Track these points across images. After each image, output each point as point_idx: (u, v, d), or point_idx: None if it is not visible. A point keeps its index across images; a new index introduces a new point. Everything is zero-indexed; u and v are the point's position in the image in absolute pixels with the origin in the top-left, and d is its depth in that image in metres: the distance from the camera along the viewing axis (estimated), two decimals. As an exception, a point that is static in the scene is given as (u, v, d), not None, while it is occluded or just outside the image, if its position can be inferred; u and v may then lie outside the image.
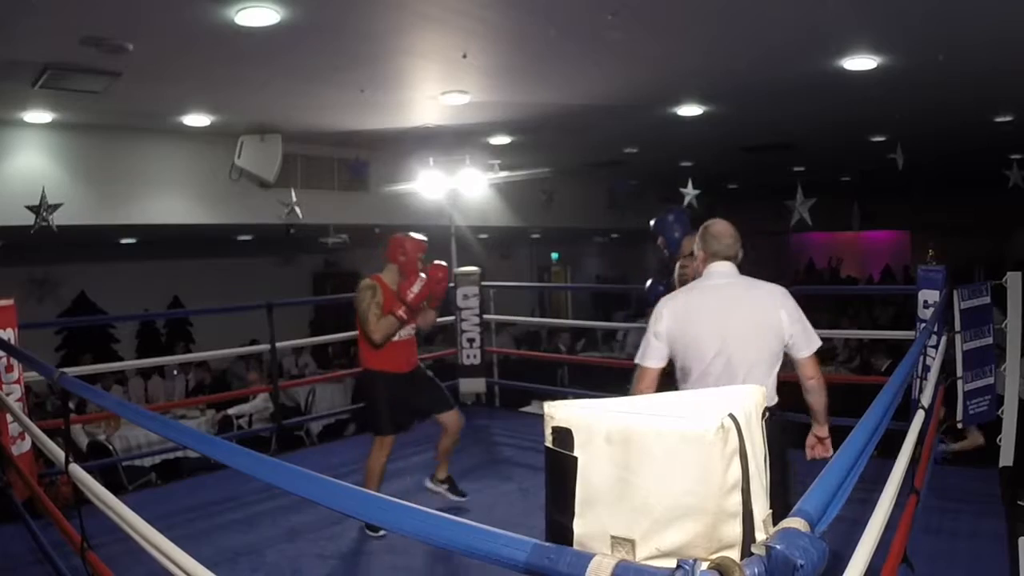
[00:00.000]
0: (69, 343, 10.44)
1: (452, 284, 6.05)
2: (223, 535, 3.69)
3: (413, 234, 4.08)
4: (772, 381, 2.53)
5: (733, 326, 2.51)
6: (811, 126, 7.51)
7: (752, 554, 0.87)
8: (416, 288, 3.89)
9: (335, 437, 7.07)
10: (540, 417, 1.13)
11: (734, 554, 0.95)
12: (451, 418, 4.11)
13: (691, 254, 3.30)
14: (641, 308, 9.47)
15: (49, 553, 3.21)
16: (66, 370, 3.03)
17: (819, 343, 2.58)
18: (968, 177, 11.96)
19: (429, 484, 4.27)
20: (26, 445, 3.97)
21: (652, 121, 6.94)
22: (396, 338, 3.95)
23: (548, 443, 1.10)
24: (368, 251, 13.16)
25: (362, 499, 1.22)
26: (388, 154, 8.25)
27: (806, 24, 4.20)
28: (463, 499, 4.21)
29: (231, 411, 7.18)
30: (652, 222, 3.90)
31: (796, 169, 10.79)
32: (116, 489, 3.71)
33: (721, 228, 2.70)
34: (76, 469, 2.58)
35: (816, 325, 2.66)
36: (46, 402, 7.18)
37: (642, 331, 2.73)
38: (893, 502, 2.07)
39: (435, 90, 5.55)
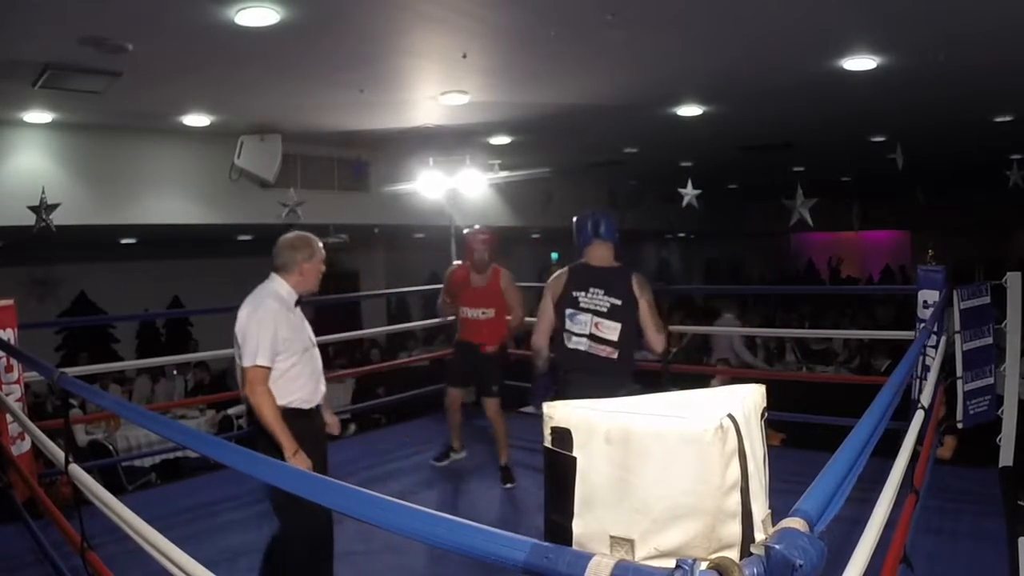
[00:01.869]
0: (69, 343, 10.44)
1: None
2: (223, 535, 3.69)
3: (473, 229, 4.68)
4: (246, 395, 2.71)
5: None
6: (811, 126, 7.51)
7: (751, 554, 0.87)
8: None
9: (335, 437, 7.06)
10: (539, 417, 1.13)
11: (733, 554, 0.95)
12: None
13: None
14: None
15: (49, 553, 3.21)
16: (66, 370, 3.03)
17: (255, 361, 2.66)
18: (968, 177, 11.95)
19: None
20: (26, 445, 3.97)
21: (652, 121, 6.94)
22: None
23: (547, 443, 1.11)
24: (368, 251, 13.19)
25: (362, 499, 1.22)
26: (388, 154, 8.25)
27: (806, 24, 4.20)
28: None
29: (231, 411, 7.17)
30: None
31: (796, 169, 10.80)
32: (116, 489, 3.71)
33: None
34: (76, 469, 2.58)
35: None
36: (46, 402, 7.18)
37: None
38: (892, 502, 2.07)
39: (435, 90, 5.55)
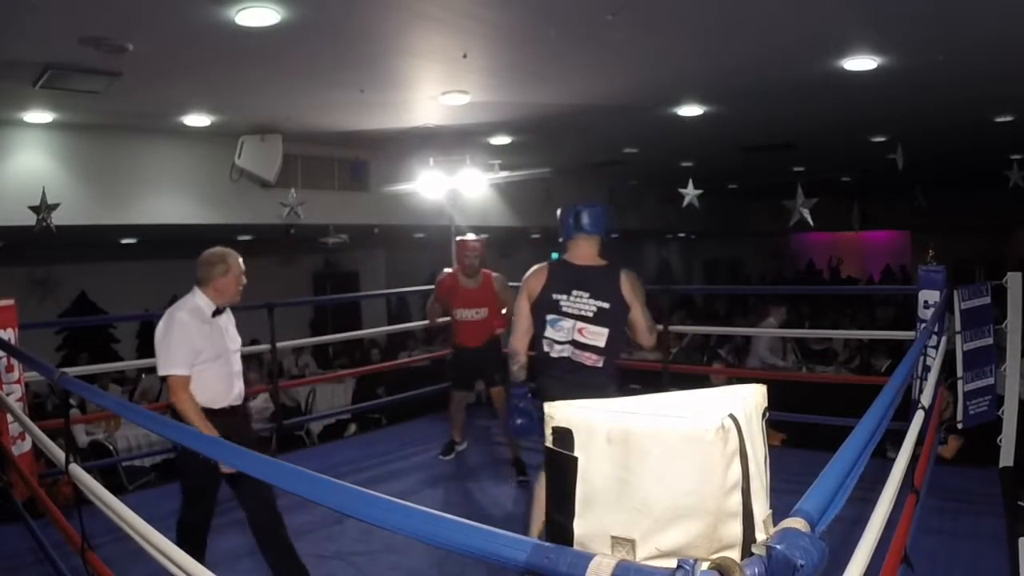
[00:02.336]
0: (69, 343, 10.45)
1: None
2: (223, 535, 3.68)
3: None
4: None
5: None
6: (811, 126, 7.51)
7: (752, 554, 0.87)
8: None
9: (335, 437, 7.07)
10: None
11: (734, 554, 0.95)
12: None
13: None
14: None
15: (49, 553, 3.21)
16: (66, 370, 3.03)
17: (169, 371, 2.90)
18: (968, 177, 11.95)
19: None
20: (26, 445, 3.97)
21: (652, 121, 6.94)
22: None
23: (548, 443, 1.11)
24: (368, 251, 13.19)
25: (362, 499, 1.21)
26: (388, 154, 8.25)
27: (806, 24, 4.20)
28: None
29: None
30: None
31: (796, 169, 10.79)
32: (116, 489, 3.71)
33: None
34: (76, 469, 2.58)
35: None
36: (46, 402, 7.18)
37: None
38: (893, 502, 2.07)
39: (435, 90, 5.55)
